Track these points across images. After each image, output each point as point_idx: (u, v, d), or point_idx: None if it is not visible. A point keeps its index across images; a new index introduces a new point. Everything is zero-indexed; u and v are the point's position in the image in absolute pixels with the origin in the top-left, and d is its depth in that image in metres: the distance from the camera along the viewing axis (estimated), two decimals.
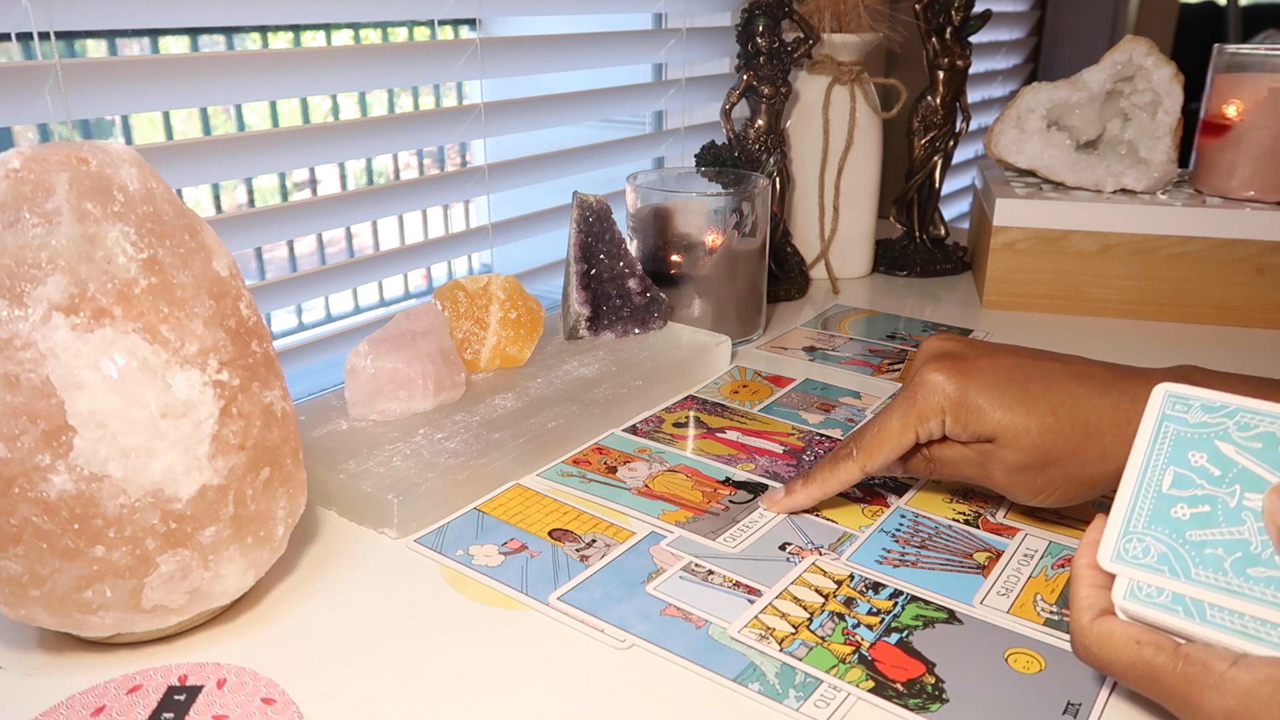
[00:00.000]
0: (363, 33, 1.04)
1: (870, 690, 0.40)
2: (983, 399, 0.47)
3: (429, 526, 0.52)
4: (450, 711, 0.39)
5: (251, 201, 1.03)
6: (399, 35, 1.02)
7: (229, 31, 0.90)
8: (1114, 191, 0.86)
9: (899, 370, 0.73)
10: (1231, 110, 0.84)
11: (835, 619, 0.44)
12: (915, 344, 0.79)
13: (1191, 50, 1.37)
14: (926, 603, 0.46)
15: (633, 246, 0.75)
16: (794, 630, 0.43)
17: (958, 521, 0.53)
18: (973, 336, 0.74)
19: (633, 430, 0.62)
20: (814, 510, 0.53)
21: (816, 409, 0.66)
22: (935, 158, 0.95)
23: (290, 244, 1.05)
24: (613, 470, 0.57)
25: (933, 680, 0.41)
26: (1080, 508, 0.54)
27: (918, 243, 0.99)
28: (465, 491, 0.54)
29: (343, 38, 1.01)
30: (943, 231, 1.00)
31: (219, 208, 1.00)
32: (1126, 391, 0.46)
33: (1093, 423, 0.46)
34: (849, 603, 0.46)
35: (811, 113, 0.90)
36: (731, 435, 0.62)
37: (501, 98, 0.84)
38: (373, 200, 0.76)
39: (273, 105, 0.99)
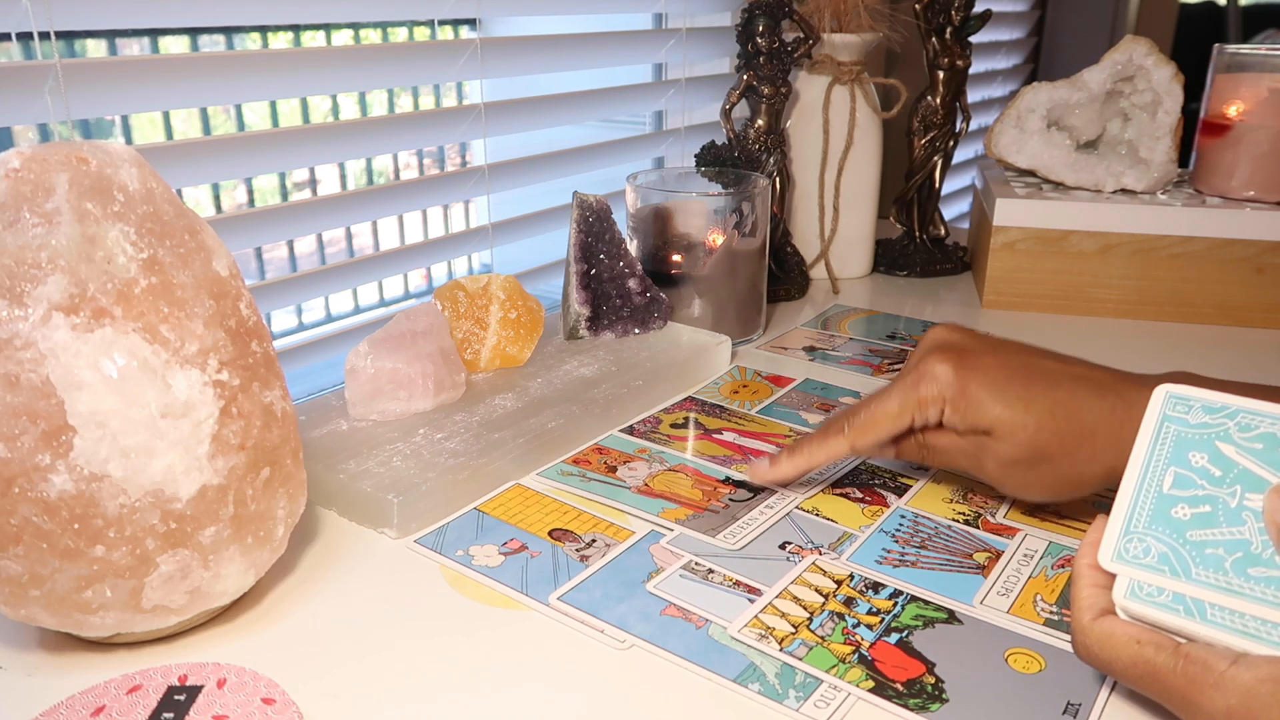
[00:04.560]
0: (363, 33, 1.04)
1: (870, 690, 0.40)
2: (984, 393, 0.48)
3: (429, 526, 0.52)
4: (450, 711, 0.39)
5: (251, 201, 1.03)
6: (399, 35, 1.02)
7: (229, 31, 0.90)
8: (1114, 191, 0.86)
9: (899, 370, 0.73)
10: (1231, 110, 0.84)
11: (835, 619, 0.44)
12: (915, 344, 0.79)
13: (1191, 50, 1.37)
14: (926, 603, 0.46)
15: (633, 246, 0.75)
16: (794, 630, 0.43)
17: (958, 521, 0.53)
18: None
19: (630, 431, 0.62)
20: (814, 510, 0.53)
21: (816, 409, 0.66)
22: (935, 158, 0.95)
23: (290, 244, 1.05)
24: (613, 470, 0.57)
25: (933, 680, 0.41)
26: (1080, 507, 0.54)
27: (918, 243, 0.99)
28: (465, 491, 0.54)
29: (343, 38, 1.01)
30: (943, 231, 1.00)
31: (219, 208, 1.00)
32: (1123, 396, 0.46)
33: (1088, 425, 0.46)
34: (849, 602, 0.46)
35: (811, 113, 0.90)
36: (728, 437, 0.62)
37: (501, 98, 0.84)
38: (373, 200, 0.76)
39: (273, 105, 0.99)
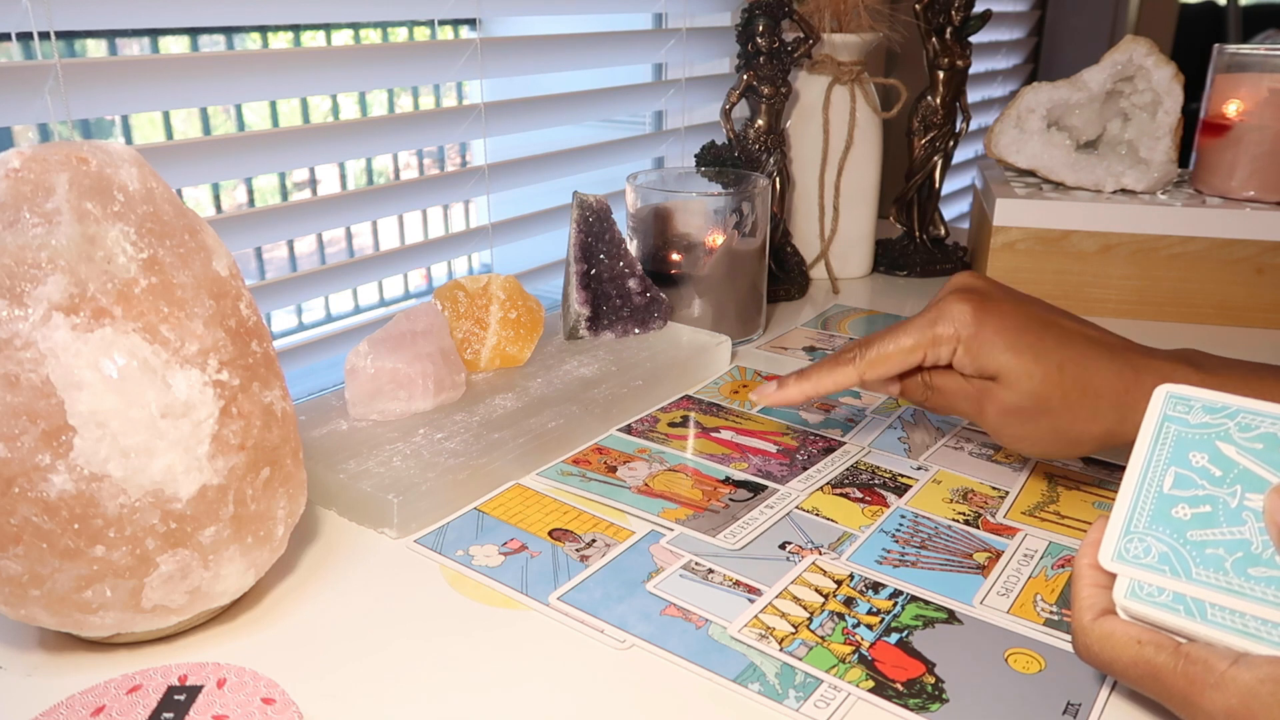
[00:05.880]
0: (363, 33, 1.03)
1: (870, 690, 0.40)
2: (999, 338, 0.48)
3: (429, 526, 0.52)
4: (450, 711, 0.39)
5: (251, 201, 1.03)
6: (399, 35, 1.02)
7: (229, 31, 0.90)
8: (1114, 191, 0.86)
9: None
10: (1231, 110, 0.84)
11: (835, 619, 0.44)
12: None
13: (1191, 50, 1.37)
14: (926, 603, 0.46)
15: (633, 246, 0.75)
16: (794, 630, 0.43)
17: (958, 521, 0.53)
18: None
19: (628, 430, 0.62)
20: (814, 510, 0.53)
21: (816, 409, 0.66)
22: (935, 158, 0.95)
23: (290, 244, 1.05)
24: (612, 470, 0.57)
25: (933, 680, 0.41)
26: (1081, 506, 0.54)
27: (918, 243, 0.99)
28: (465, 491, 0.54)
29: (343, 38, 1.01)
30: (943, 231, 1.00)
31: (219, 208, 1.00)
32: (1130, 363, 0.48)
33: (1093, 385, 0.48)
34: (849, 602, 0.46)
35: (811, 113, 0.90)
36: (726, 435, 0.62)
37: (501, 98, 0.84)
38: (373, 200, 0.76)
39: (273, 105, 0.99)
